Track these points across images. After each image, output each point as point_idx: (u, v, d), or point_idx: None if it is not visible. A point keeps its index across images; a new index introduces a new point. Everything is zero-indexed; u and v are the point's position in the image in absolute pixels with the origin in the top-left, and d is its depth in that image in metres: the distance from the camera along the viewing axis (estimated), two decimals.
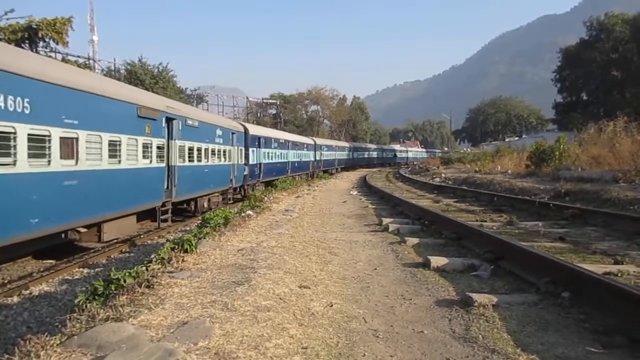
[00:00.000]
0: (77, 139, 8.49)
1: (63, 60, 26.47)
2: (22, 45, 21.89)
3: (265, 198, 14.08)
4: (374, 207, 13.64)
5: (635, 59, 45.95)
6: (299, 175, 33.48)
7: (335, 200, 15.83)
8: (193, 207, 15.98)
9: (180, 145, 13.52)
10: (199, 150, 15.28)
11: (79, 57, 33.02)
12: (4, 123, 6.72)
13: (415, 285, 4.98)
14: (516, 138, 71.21)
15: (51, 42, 23.80)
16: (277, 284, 4.42)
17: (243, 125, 23.20)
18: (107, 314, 3.42)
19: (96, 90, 9.35)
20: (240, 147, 20.85)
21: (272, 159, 26.78)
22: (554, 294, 4.22)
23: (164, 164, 12.57)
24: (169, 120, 12.91)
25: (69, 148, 8.31)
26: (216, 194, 17.99)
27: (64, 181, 8.23)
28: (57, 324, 4.11)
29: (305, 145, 37.57)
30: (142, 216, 12.91)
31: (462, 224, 7.82)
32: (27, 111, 7.13)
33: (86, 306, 3.83)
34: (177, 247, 5.92)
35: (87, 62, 35.54)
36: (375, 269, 5.77)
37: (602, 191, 12.01)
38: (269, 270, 4.89)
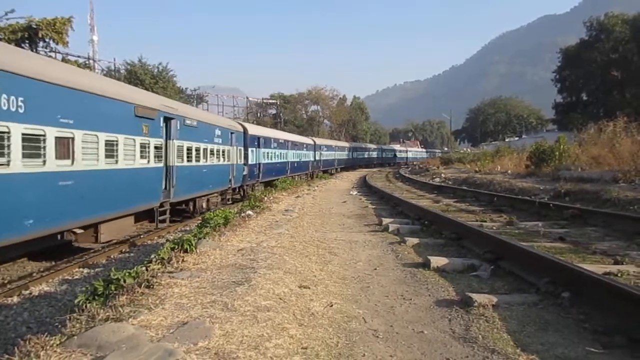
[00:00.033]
0: (73, 138, 8.40)
1: (63, 60, 26.47)
2: (22, 45, 21.88)
3: (265, 198, 14.07)
4: (373, 207, 13.64)
5: (635, 59, 45.99)
6: (298, 175, 33.48)
7: (335, 200, 15.83)
8: (192, 207, 15.91)
9: (178, 145, 13.46)
10: (197, 150, 15.22)
11: (79, 57, 33.07)
12: None
13: (415, 286, 4.98)
14: (516, 138, 71.25)
15: (51, 42, 23.81)
16: (277, 284, 4.42)
17: (242, 125, 23.17)
18: (107, 314, 3.42)
19: (93, 90, 9.26)
20: (239, 147, 20.80)
21: (271, 159, 26.76)
22: (554, 294, 4.22)
23: (162, 164, 12.51)
24: (167, 119, 12.85)
25: (64, 148, 8.22)
26: (215, 195, 17.95)
27: (60, 181, 8.14)
28: (57, 324, 4.10)
29: (304, 145, 37.57)
30: (140, 217, 12.89)
31: (462, 224, 7.82)
32: (21, 110, 7.04)
33: (86, 306, 3.82)
34: (177, 247, 5.91)
35: (87, 62, 35.56)
36: (375, 269, 5.77)
37: (602, 191, 12.02)
38: (269, 270, 4.89)
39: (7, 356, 2.77)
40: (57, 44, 24.08)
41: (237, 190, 21.81)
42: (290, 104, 76.03)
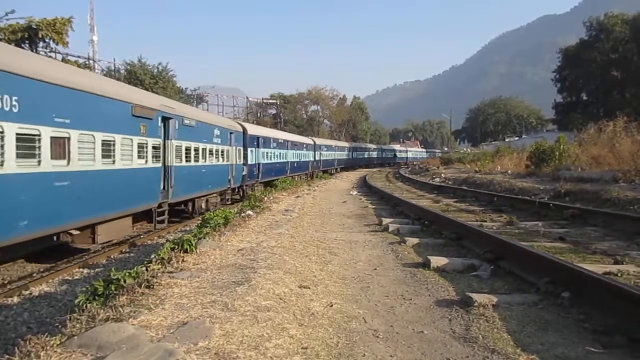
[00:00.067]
0: (68, 138, 8.29)
1: (63, 60, 26.47)
2: (22, 45, 21.89)
3: (265, 198, 14.07)
4: (373, 207, 13.64)
5: (635, 59, 45.99)
6: (298, 175, 33.48)
7: (335, 200, 15.83)
8: (190, 208, 15.83)
9: (177, 145, 13.39)
10: (196, 150, 15.16)
11: (79, 57, 33.10)
12: None
13: (415, 285, 4.98)
14: (516, 138, 71.25)
15: (51, 42, 23.82)
16: (277, 284, 4.42)
17: (241, 125, 23.15)
18: (107, 314, 3.42)
19: (89, 89, 9.15)
20: (238, 147, 20.77)
21: (271, 159, 26.75)
22: (554, 294, 4.22)
23: (160, 164, 12.44)
24: (165, 119, 12.77)
25: (60, 148, 8.10)
26: (214, 195, 17.90)
27: (55, 182, 8.03)
28: (57, 324, 4.11)
29: (304, 145, 37.57)
30: (139, 217, 12.85)
31: (462, 224, 7.82)
32: (15, 109, 6.93)
33: (86, 306, 3.82)
34: (177, 247, 5.91)
35: (87, 62, 35.57)
36: (375, 269, 5.78)
37: (602, 191, 12.02)
38: (269, 270, 4.89)
39: (7, 356, 2.77)
40: (57, 44, 24.10)
41: (237, 190, 21.79)
42: (290, 104, 76.04)
